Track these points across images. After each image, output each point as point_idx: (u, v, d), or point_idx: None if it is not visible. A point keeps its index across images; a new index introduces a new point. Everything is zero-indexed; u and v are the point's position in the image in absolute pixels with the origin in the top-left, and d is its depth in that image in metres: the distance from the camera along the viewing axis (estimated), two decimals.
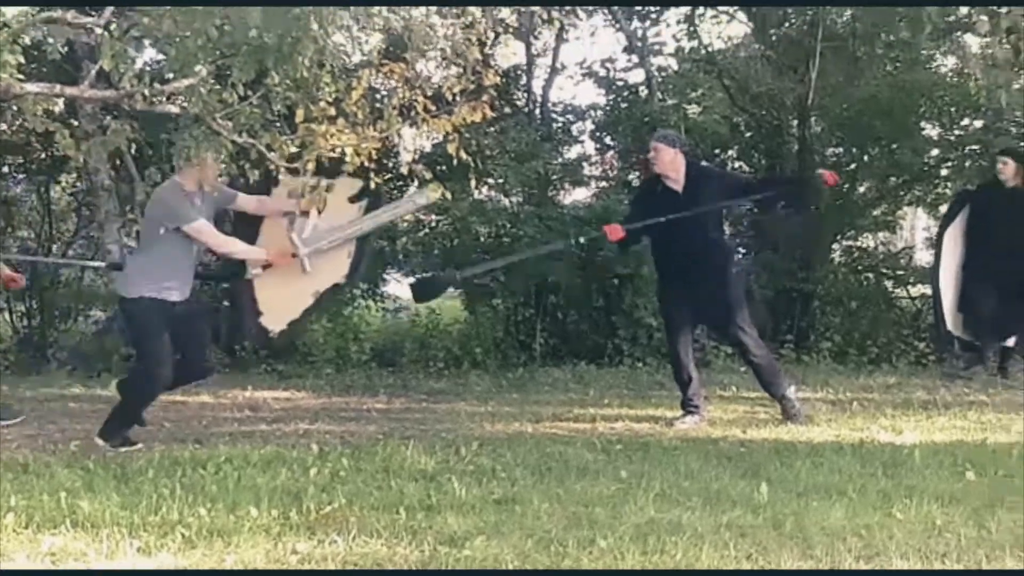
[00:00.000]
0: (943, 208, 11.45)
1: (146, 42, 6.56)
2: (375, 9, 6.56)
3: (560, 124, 13.41)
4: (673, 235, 7.78)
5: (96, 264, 11.02)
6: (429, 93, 6.98)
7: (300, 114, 6.65)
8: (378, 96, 8.61)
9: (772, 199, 8.94)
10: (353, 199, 7.46)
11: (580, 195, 13.62)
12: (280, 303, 7.45)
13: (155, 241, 6.94)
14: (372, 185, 7.24)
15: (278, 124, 7.02)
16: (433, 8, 6.89)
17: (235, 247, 7.27)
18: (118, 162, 11.09)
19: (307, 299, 7.49)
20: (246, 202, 7.38)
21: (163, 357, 6.98)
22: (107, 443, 6.85)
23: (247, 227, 7.51)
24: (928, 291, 11.34)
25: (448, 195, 7.40)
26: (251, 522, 4.88)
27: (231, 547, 4.55)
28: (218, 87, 6.48)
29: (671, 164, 7.85)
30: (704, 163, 9.85)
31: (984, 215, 10.09)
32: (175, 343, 6.92)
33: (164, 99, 6.78)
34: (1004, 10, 7.68)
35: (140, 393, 7.14)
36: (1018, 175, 10.07)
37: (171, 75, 6.68)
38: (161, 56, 7.81)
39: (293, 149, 6.65)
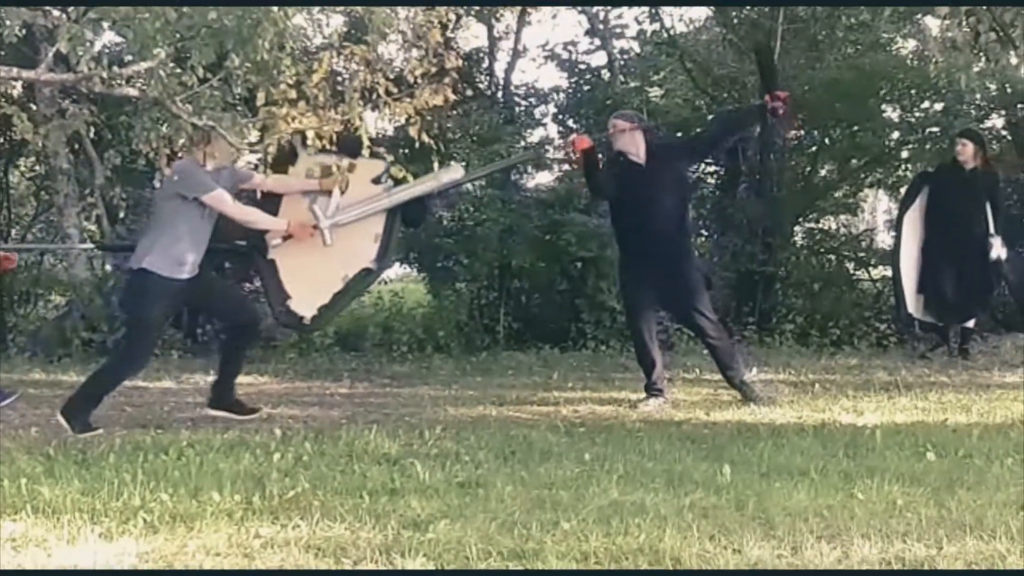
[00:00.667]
0: (904, 190, 11.51)
1: (104, 24, 6.49)
2: None
3: (523, 107, 13.38)
4: (637, 212, 7.81)
5: (86, 246, 10.94)
6: (391, 76, 6.95)
7: (261, 97, 6.62)
8: (339, 79, 8.56)
9: (735, 128, 8.94)
10: (376, 180, 7.40)
11: (543, 178, 13.63)
12: (309, 287, 7.36)
13: (170, 216, 6.91)
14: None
15: (239, 107, 6.99)
16: None
17: (254, 216, 7.26)
18: (76, 146, 11.03)
19: (337, 283, 7.40)
20: (261, 181, 7.36)
21: (147, 341, 6.98)
22: (68, 423, 6.78)
23: (267, 204, 7.44)
24: (889, 273, 11.41)
25: (412, 179, 7.35)
26: (214, 507, 4.85)
27: (194, 532, 4.52)
28: (178, 70, 6.43)
29: (630, 140, 7.90)
30: (663, 137, 9.86)
31: (943, 197, 10.16)
32: (216, 313, 6.95)
33: (123, 82, 6.72)
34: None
35: (112, 374, 7.13)
36: (977, 157, 10.15)
37: (130, 58, 6.64)
38: (120, 39, 7.74)
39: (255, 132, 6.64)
